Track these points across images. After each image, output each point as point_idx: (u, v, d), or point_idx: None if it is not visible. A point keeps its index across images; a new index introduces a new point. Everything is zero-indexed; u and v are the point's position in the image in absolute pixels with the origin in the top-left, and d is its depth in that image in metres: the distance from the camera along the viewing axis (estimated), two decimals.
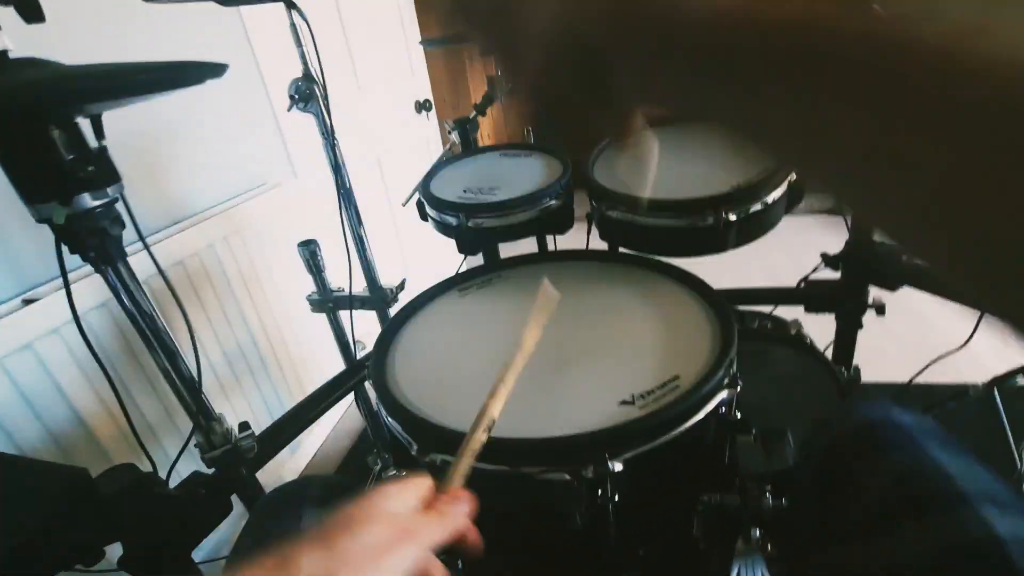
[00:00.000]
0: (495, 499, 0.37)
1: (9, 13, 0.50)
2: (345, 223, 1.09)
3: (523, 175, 0.88)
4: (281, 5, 0.89)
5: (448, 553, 0.34)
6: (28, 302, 0.86)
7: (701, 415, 0.49)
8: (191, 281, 1.13)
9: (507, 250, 0.87)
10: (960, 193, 0.13)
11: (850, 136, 0.15)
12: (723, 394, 0.51)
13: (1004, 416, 1.00)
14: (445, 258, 1.17)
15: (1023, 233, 0.12)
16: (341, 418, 1.72)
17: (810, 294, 1.08)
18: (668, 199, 0.71)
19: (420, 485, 0.35)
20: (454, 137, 1.07)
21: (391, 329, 0.70)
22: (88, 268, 0.61)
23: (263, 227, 1.31)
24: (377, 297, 1.17)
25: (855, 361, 1.11)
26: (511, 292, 0.75)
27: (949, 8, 0.14)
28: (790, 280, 1.10)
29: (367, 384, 1.03)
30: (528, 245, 0.86)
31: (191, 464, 0.76)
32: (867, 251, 0.99)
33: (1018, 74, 0.12)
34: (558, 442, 0.46)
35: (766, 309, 1.09)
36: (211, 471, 0.75)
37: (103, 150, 0.56)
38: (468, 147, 1.09)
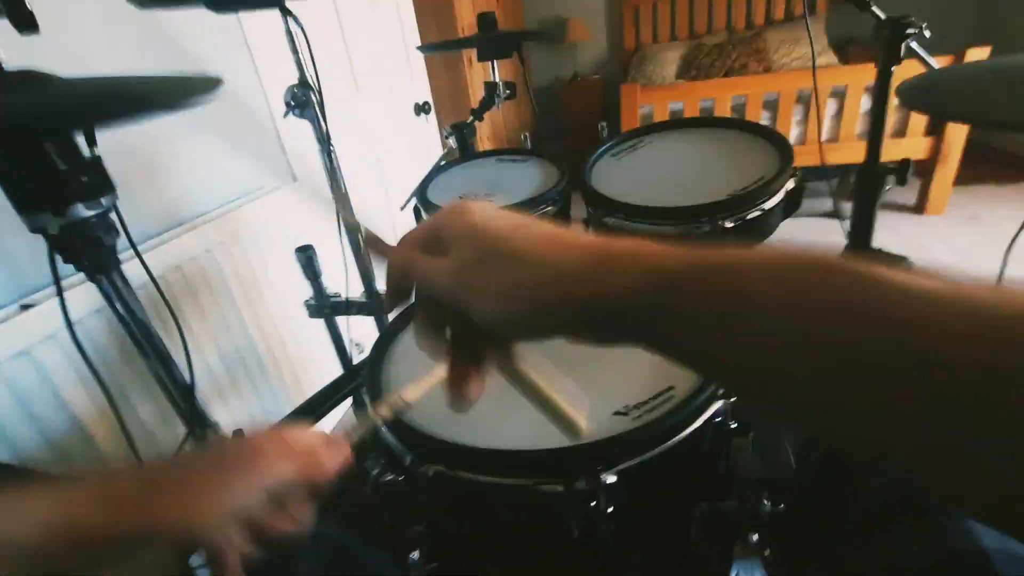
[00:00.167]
0: (492, 509, 0.37)
1: (2, 23, 0.50)
2: (342, 228, 1.08)
3: (520, 181, 0.88)
4: (278, 11, 0.89)
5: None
6: (26, 307, 0.86)
7: (695, 426, 0.49)
8: (189, 285, 1.13)
9: None
10: None
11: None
12: (717, 404, 0.51)
13: None
14: None
15: None
16: (339, 422, 1.71)
17: None
18: (665, 206, 0.71)
19: (310, 431, 0.37)
20: (451, 142, 1.07)
21: (387, 336, 0.69)
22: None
23: (261, 231, 1.31)
24: (374, 302, 1.17)
25: None
26: None
27: None
28: None
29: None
30: None
31: None
32: (865, 255, 0.98)
33: None
34: (551, 454, 0.45)
35: None
36: None
37: (97, 160, 0.56)
38: (465, 152, 1.09)
